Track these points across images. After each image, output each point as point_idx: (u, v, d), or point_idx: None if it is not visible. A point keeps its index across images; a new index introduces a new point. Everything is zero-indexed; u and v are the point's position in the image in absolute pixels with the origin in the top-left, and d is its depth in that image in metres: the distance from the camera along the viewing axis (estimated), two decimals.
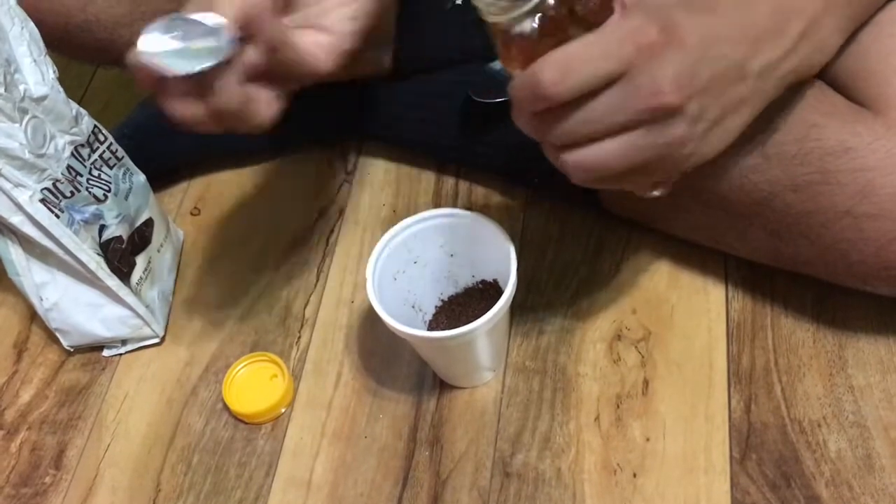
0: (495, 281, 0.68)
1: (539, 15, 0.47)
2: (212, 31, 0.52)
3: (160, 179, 0.82)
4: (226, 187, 0.85)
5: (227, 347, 0.75)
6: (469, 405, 0.68)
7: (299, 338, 0.74)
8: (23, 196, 0.63)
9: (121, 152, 0.72)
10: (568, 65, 0.45)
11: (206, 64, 0.51)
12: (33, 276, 0.69)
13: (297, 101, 0.58)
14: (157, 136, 0.81)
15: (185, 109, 0.54)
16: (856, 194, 0.56)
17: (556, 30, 0.47)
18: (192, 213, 0.84)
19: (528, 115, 0.48)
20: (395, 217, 0.79)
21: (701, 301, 0.70)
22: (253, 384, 0.71)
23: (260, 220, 0.82)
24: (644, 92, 0.46)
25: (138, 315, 0.72)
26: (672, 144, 0.48)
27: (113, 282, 0.70)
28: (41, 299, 0.70)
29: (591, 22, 0.47)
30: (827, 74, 0.60)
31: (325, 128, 0.83)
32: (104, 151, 0.70)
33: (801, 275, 0.65)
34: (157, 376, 0.74)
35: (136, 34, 0.75)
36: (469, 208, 0.67)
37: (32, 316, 0.78)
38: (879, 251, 0.58)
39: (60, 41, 0.75)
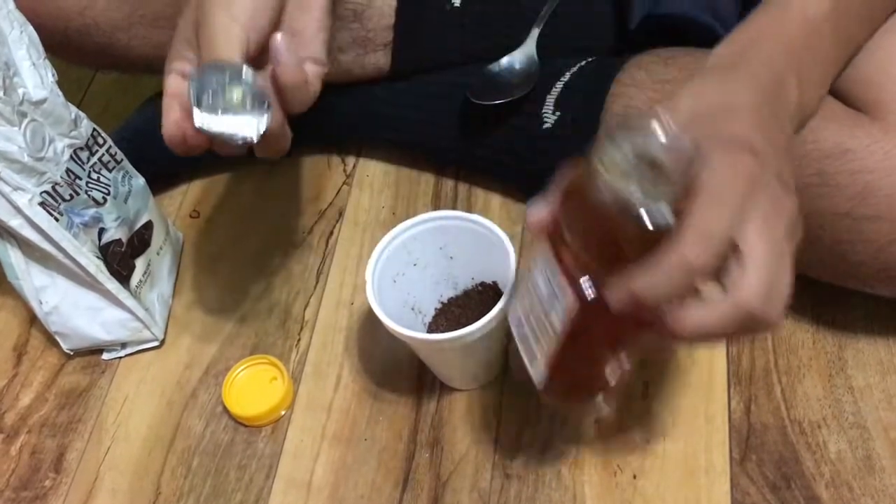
0: (495, 283, 0.68)
1: (672, 199, 0.41)
2: (239, 73, 0.53)
3: (159, 182, 0.82)
4: (225, 190, 0.85)
5: (226, 350, 0.75)
6: (469, 407, 0.68)
7: (299, 340, 0.74)
8: (22, 199, 0.63)
9: (120, 155, 0.72)
10: (704, 230, 0.42)
11: (266, 121, 0.53)
12: (33, 280, 0.69)
13: None
14: (156, 139, 0.80)
15: (235, 152, 0.56)
16: (854, 196, 0.57)
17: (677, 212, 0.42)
18: (191, 216, 0.84)
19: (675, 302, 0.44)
20: (394, 219, 0.79)
21: None
22: (253, 387, 0.71)
23: (259, 223, 0.82)
24: (779, 213, 0.45)
25: (138, 318, 0.72)
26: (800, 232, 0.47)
27: (112, 285, 0.70)
28: (41, 303, 0.70)
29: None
30: None
31: (324, 130, 0.83)
32: (103, 155, 0.70)
33: (800, 276, 0.65)
34: (156, 379, 0.74)
35: (134, 38, 0.77)
36: (468, 210, 0.67)
37: (32, 319, 0.78)
38: (878, 252, 0.58)
39: (59, 45, 0.75)
